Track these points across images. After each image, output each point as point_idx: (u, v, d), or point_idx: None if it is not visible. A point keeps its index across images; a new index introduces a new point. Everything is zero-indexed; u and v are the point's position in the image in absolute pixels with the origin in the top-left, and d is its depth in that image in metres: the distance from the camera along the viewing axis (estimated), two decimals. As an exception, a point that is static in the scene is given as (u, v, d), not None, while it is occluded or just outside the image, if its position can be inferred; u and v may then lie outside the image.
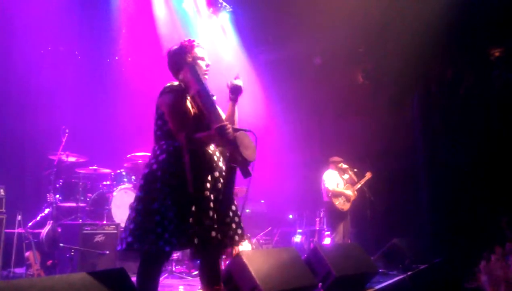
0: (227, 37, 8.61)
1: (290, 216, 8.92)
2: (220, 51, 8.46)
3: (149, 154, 2.67)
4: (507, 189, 6.96)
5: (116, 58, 7.53)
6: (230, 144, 2.44)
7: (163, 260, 2.64)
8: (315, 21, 7.66)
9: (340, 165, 6.87)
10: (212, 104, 2.52)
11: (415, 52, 7.32)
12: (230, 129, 2.42)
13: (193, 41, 2.75)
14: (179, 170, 2.50)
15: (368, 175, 6.95)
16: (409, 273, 5.15)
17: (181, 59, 2.68)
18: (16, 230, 4.92)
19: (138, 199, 2.53)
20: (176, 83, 2.67)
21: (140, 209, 2.48)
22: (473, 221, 7.07)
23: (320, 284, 3.94)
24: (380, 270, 5.15)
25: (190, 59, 2.66)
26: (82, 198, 5.74)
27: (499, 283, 4.03)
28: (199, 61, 2.70)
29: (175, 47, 2.75)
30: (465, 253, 6.16)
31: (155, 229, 2.40)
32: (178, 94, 2.59)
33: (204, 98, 2.51)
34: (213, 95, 2.60)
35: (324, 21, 7.51)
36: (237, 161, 2.46)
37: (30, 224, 5.33)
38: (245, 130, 2.53)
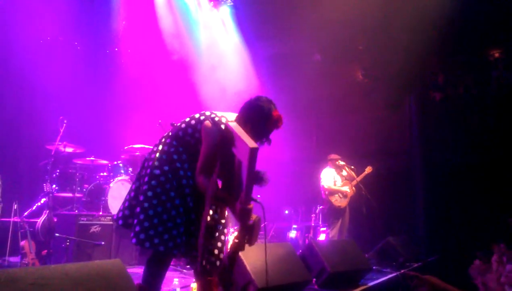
0: (227, 31, 8.58)
1: (286, 212, 8.93)
2: (220, 45, 8.44)
3: (147, 147, 2.67)
4: (503, 188, 7.00)
5: (116, 49, 7.51)
6: (244, 229, 2.50)
7: (171, 259, 2.67)
8: (315, 18, 7.64)
9: (337, 162, 6.90)
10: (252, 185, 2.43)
11: (414, 52, 7.32)
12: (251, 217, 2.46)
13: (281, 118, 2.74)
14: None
15: (368, 169, 6.98)
16: (402, 271, 5.18)
17: (261, 123, 2.67)
18: (11, 219, 4.92)
19: (154, 195, 2.49)
20: (233, 123, 2.54)
21: (157, 207, 2.48)
22: (467, 220, 7.11)
23: (314, 279, 3.97)
24: (374, 267, 5.19)
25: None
26: (78, 188, 5.74)
27: (493, 284, 4.05)
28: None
29: (270, 110, 2.73)
30: (459, 252, 6.20)
31: (171, 230, 2.46)
32: (223, 141, 2.51)
33: (250, 179, 2.40)
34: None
35: (324, 18, 7.49)
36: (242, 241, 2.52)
37: (26, 213, 5.34)
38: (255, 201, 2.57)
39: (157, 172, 2.53)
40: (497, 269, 4.22)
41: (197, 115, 2.63)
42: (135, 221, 2.46)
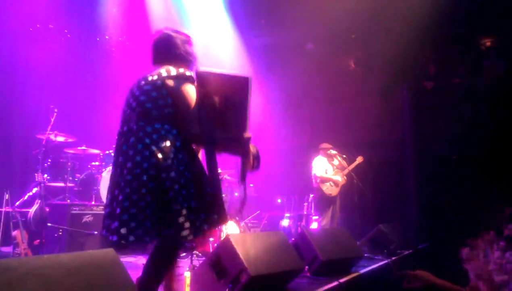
0: (220, 19, 8.51)
1: (279, 200, 8.98)
2: (213, 34, 8.38)
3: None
4: (495, 177, 7.09)
5: (106, 37, 7.42)
6: (245, 155, 2.52)
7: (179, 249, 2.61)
8: (308, 7, 7.61)
9: (329, 151, 6.93)
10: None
11: (406, 41, 7.34)
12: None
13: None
14: (192, 161, 2.47)
15: (359, 159, 7.02)
16: (393, 258, 5.25)
17: (188, 49, 2.64)
18: (3, 209, 4.90)
19: (148, 190, 2.33)
20: (188, 73, 2.51)
21: (148, 201, 2.32)
22: (458, 208, 7.20)
23: (307, 267, 4.01)
24: (366, 255, 5.25)
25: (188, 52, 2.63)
26: (70, 178, 5.71)
27: (482, 271, 4.12)
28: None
29: (174, 35, 2.61)
30: (449, 239, 6.28)
31: (173, 220, 2.32)
32: (196, 89, 2.47)
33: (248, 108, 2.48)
34: None
35: (317, 7, 7.46)
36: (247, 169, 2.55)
37: (17, 203, 5.31)
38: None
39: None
40: (486, 256, 4.30)
41: (148, 87, 2.47)
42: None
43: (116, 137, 2.53)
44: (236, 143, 2.51)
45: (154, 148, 2.37)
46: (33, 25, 6.48)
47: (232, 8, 8.45)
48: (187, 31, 2.71)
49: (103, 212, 4.55)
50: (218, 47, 8.32)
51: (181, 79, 2.47)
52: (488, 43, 7.93)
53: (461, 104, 8.00)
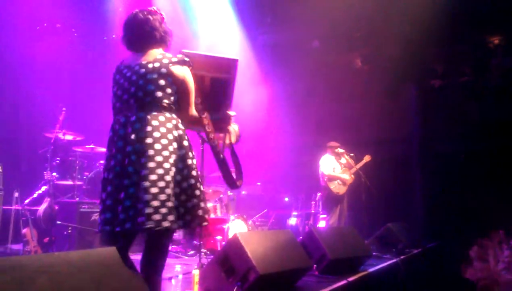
0: (226, 17, 8.51)
1: (286, 199, 8.97)
2: (219, 32, 8.38)
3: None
4: (502, 176, 7.03)
5: (113, 36, 7.45)
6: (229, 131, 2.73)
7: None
8: (314, 5, 7.58)
9: (336, 149, 6.91)
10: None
11: (413, 39, 7.29)
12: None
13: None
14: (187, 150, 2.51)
15: (367, 158, 7.00)
16: (402, 257, 5.22)
17: (163, 26, 2.62)
18: (13, 207, 4.94)
19: (158, 175, 2.34)
20: (186, 58, 2.54)
21: (162, 186, 2.33)
22: (466, 207, 7.16)
23: (315, 266, 4.00)
24: (374, 254, 5.23)
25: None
26: (79, 176, 5.74)
27: (491, 270, 4.10)
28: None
29: (149, 17, 2.58)
30: (458, 239, 6.24)
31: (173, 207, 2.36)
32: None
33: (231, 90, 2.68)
34: None
35: (324, 5, 7.44)
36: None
37: (27, 201, 5.35)
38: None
39: None
40: (495, 255, 4.27)
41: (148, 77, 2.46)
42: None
43: (116, 126, 2.49)
44: (224, 122, 2.71)
45: (171, 136, 2.43)
46: (40, 24, 6.53)
47: (238, 6, 8.45)
48: (156, 7, 2.67)
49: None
50: (224, 45, 8.32)
51: (183, 64, 2.50)
52: (496, 41, 7.86)
53: (469, 102, 7.93)
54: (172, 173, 2.38)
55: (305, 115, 9.17)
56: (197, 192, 2.47)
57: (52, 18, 6.62)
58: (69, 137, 5.76)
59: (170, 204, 2.33)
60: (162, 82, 2.45)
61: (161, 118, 2.43)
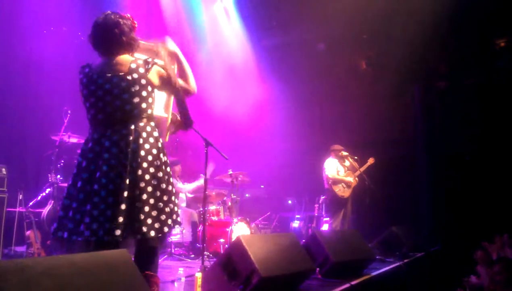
0: (230, 20, 8.54)
1: (289, 202, 8.98)
2: (223, 34, 8.41)
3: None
4: (507, 179, 7.00)
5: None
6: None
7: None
8: (319, 7, 7.59)
9: (340, 153, 6.91)
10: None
11: (418, 41, 7.28)
12: None
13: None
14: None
15: (370, 161, 7.00)
16: (405, 260, 5.20)
17: (135, 39, 2.68)
18: (17, 209, 4.96)
19: (153, 186, 2.49)
20: (145, 57, 2.64)
21: (158, 196, 2.50)
22: (471, 210, 7.12)
23: (318, 269, 4.00)
24: (377, 257, 5.21)
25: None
26: (83, 179, 5.75)
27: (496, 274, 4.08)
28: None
29: (128, 23, 2.64)
30: (462, 242, 6.21)
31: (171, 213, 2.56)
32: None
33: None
34: None
35: (328, 7, 7.44)
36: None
37: (31, 203, 5.37)
38: None
39: None
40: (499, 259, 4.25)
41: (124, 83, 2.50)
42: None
43: (102, 139, 2.49)
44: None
45: (160, 145, 2.57)
46: (47, 28, 6.56)
47: (243, 8, 8.47)
48: (128, 13, 2.73)
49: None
50: (229, 46, 8.35)
51: (151, 64, 2.57)
52: (502, 44, 7.84)
53: (474, 104, 7.91)
54: (165, 181, 2.53)
55: (309, 118, 9.18)
56: (174, 198, 2.64)
57: (59, 22, 6.65)
58: (74, 140, 5.79)
59: (167, 209, 2.51)
60: (144, 93, 2.52)
61: (148, 128, 2.54)
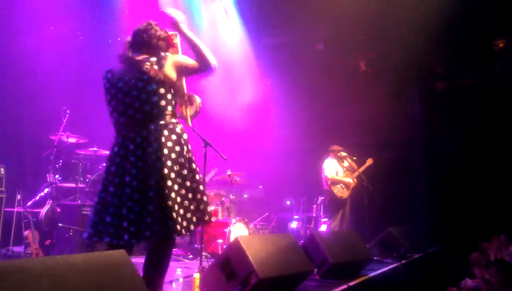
0: (229, 20, 8.54)
1: (288, 202, 8.97)
2: (222, 34, 8.40)
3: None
4: (506, 180, 7.02)
5: (118, 39, 7.48)
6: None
7: None
8: (318, 7, 7.60)
9: (339, 153, 6.91)
10: None
11: (417, 42, 7.29)
12: None
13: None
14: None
15: (369, 161, 7.00)
16: (403, 261, 5.21)
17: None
18: (15, 209, 4.97)
19: (178, 184, 2.54)
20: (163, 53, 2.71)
21: (183, 194, 2.55)
22: (469, 211, 7.14)
23: (316, 270, 4.01)
24: (375, 258, 5.22)
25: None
26: (81, 179, 5.77)
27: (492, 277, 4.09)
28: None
29: (160, 32, 2.81)
30: (460, 243, 6.23)
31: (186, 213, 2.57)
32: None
33: None
34: None
35: (328, 7, 7.45)
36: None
37: (29, 203, 5.38)
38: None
39: None
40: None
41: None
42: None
43: (127, 142, 2.54)
44: None
45: (183, 141, 2.62)
46: (46, 27, 6.56)
47: (242, 8, 8.47)
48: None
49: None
50: (228, 46, 8.34)
51: (168, 59, 2.62)
52: (501, 45, 7.85)
53: (472, 106, 7.92)
54: (189, 178, 2.58)
55: (308, 119, 9.17)
56: (199, 195, 2.63)
57: (58, 21, 6.65)
58: (72, 140, 5.79)
59: (192, 207, 2.56)
60: (162, 90, 2.54)
61: (170, 126, 2.56)
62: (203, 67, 2.66)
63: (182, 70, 2.64)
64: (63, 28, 6.73)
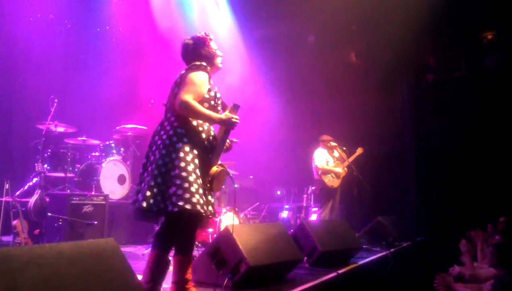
0: (220, 11, 8.46)
1: (278, 192, 9.01)
2: (213, 26, 8.33)
3: (139, 127, 2.70)
4: (493, 172, 7.11)
5: (107, 27, 7.40)
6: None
7: None
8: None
9: (329, 143, 6.93)
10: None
11: (407, 34, 7.31)
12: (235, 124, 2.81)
13: (208, 35, 3.04)
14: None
15: (359, 150, 7.02)
16: (392, 250, 5.28)
17: (200, 52, 2.97)
18: (3, 198, 4.91)
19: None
20: (204, 63, 2.90)
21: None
22: (456, 202, 7.23)
23: (306, 258, 4.04)
24: (364, 246, 5.29)
25: (208, 50, 2.99)
26: (70, 168, 5.71)
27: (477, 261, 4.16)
28: (217, 53, 3.05)
29: (191, 42, 2.99)
30: (447, 233, 6.32)
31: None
32: (205, 70, 2.84)
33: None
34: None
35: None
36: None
37: (17, 192, 5.32)
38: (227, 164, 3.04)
39: None
40: (482, 248, 4.33)
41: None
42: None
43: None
44: None
45: (172, 133, 2.79)
46: (33, 15, 6.45)
47: (232, 1, 8.40)
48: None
49: (103, 203, 4.65)
50: (219, 38, 8.27)
51: (192, 69, 2.81)
52: (490, 37, 7.90)
53: (462, 97, 7.98)
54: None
55: (298, 109, 9.18)
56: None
57: (46, 9, 6.54)
58: (60, 129, 5.73)
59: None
60: (175, 89, 2.79)
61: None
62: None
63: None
64: (51, 16, 6.62)
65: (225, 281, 3.06)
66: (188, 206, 2.52)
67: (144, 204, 2.55)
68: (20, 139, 6.33)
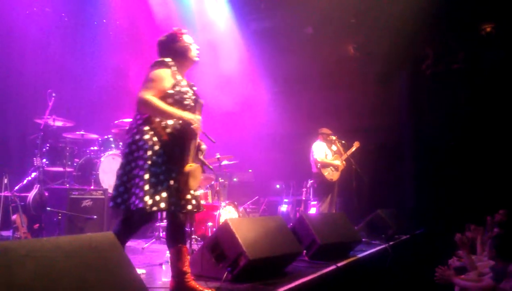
0: (218, 4, 8.41)
1: (277, 186, 9.01)
2: (211, 17, 8.29)
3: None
4: (491, 164, 7.11)
5: (104, 21, 7.35)
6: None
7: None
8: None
9: (329, 137, 6.92)
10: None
11: (406, 27, 7.27)
12: (197, 129, 2.71)
13: (181, 29, 2.99)
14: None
15: (356, 144, 7.01)
16: (391, 243, 5.29)
17: (172, 47, 2.92)
18: (2, 193, 4.90)
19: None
20: (168, 59, 2.83)
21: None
22: (455, 194, 7.24)
23: (305, 251, 4.04)
24: (363, 239, 5.29)
25: (179, 45, 2.92)
26: (69, 163, 5.70)
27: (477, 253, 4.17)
28: (191, 46, 2.96)
29: (165, 38, 2.97)
30: (445, 225, 6.33)
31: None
32: (167, 66, 2.79)
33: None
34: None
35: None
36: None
37: (16, 187, 5.31)
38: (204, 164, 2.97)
39: None
40: (482, 241, 4.35)
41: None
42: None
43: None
44: None
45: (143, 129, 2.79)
46: (30, 8, 6.41)
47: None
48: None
49: (102, 197, 4.65)
50: (216, 31, 8.24)
51: (153, 66, 2.79)
52: (489, 29, 7.87)
53: (460, 90, 7.97)
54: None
55: (297, 103, 9.16)
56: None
57: (42, 2, 6.49)
58: (59, 123, 5.70)
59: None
60: None
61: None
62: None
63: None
64: (47, 10, 6.58)
65: (225, 275, 3.06)
66: (140, 205, 2.53)
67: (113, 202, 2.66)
68: (18, 134, 6.30)
